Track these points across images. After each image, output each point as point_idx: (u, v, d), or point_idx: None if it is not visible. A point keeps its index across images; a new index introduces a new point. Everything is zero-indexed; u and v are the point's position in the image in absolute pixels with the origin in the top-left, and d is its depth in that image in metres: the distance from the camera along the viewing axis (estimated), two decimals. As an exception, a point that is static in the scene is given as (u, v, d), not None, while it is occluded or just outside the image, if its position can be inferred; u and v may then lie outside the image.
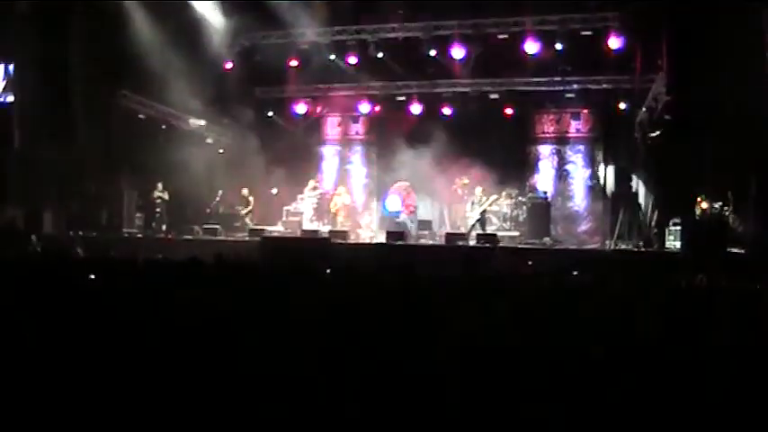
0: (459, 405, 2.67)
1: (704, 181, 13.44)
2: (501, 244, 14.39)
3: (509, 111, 18.06)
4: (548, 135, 19.13)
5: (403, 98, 18.89)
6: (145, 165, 16.56)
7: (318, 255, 12.51)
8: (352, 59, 17.52)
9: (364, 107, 19.38)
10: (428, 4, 16.48)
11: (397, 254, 13.54)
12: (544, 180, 18.62)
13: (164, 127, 17.64)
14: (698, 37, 12.62)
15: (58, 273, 6.24)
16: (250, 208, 17.58)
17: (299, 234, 16.27)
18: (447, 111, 18.44)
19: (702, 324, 3.79)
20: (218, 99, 17.40)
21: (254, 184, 17.86)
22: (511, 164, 18.24)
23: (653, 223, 14.66)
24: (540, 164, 19.00)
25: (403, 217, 17.46)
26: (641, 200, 15.94)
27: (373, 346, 3.18)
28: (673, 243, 13.43)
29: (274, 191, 18.82)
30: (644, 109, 15.86)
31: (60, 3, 15.03)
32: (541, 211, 16.20)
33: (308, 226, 17.15)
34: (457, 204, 17.04)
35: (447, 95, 18.40)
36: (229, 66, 17.67)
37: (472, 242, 14.63)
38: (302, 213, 17.66)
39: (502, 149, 18.06)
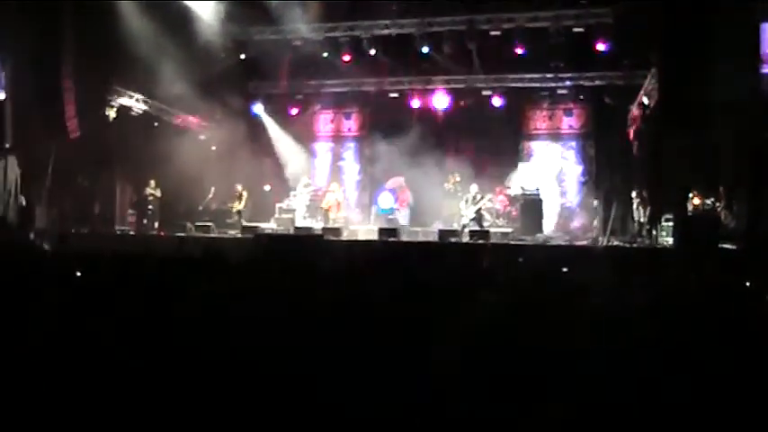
0: (458, 405, 2.67)
1: (696, 177, 13.47)
2: (493, 240, 14.40)
3: (501, 107, 18.09)
4: (540, 131, 19.15)
5: (396, 95, 18.89)
6: (138, 161, 16.50)
7: (311, 251, 12.49)
8: (346, 57, 17.51)
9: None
10: (421, 0, 16.49)
11: (390, 250, 13.54)
12: (537, 176, 18.64)
13: (156, 124, 17.58)
14: (691, 32, 12.61)
15: (48, 268, 6.20)
16: (244, 203, 17.49)
17: (291, 231, 16.26)
18: (440, 107, 18.44)
19: (695, 320, 3.79)
20: (210, 94, 17.33)
21: (247, 180, 17.82)
22: (503, 160, 18.28)
23: (645, 219, 14.70)
24: (533, 159, 19.01)
25: (396, 213, 17.46)
26: (633, 196, 15.97)
27: (368, 343, 3.17)
28: (665, 239, 13.47)
29: (267, 188, 18.78)
30: (636, 105, 15.89)
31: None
32: (534, 208, 16.23)
33: (300, 223, 17.13)
34: (450, 201, 17.04)
35: (440, 92, 18.39)
36: (222, 61, 17.61)
37: (465, 239, 14.65)
38: (295, 210, 17.64)
39: (494, 145, 18.09)
